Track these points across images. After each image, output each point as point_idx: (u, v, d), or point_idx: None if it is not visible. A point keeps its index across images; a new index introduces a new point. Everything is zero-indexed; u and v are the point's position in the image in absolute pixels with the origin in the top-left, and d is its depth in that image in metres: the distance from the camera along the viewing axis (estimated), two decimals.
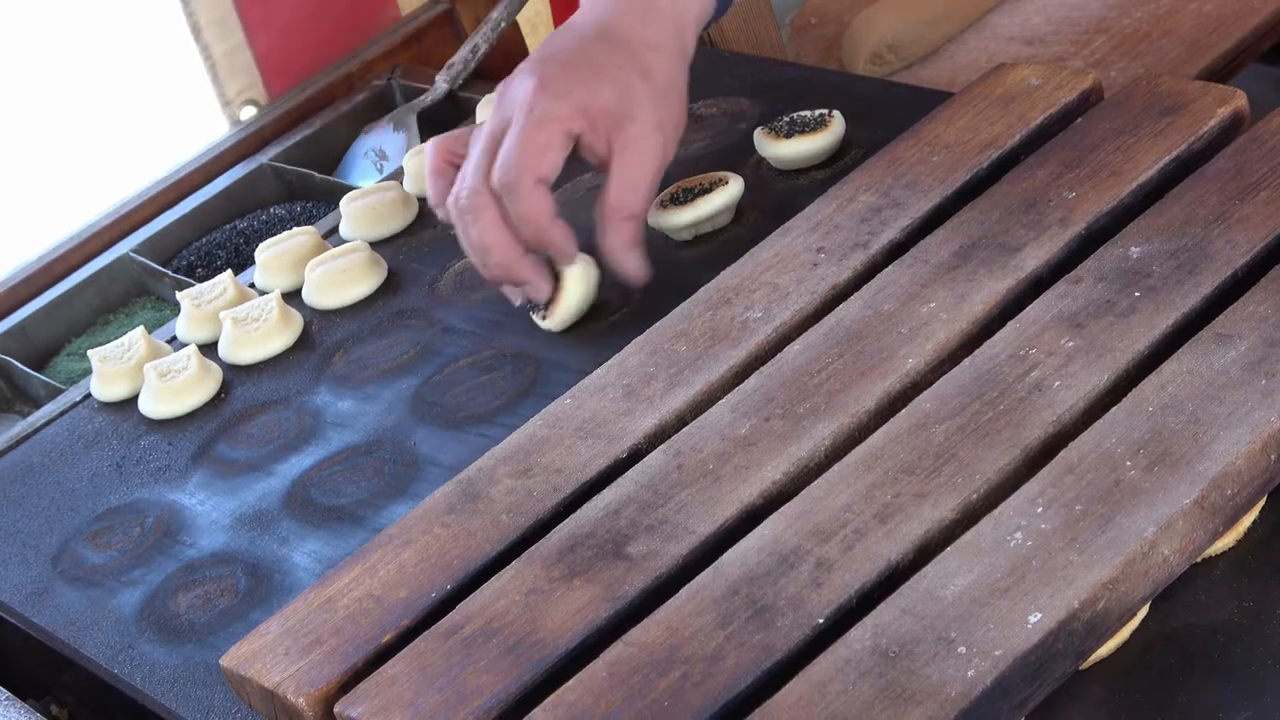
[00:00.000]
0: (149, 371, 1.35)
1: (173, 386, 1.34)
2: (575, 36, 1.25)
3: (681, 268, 1.30)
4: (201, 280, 1.55)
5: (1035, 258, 1.13)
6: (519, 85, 1.22)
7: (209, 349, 1.39)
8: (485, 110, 1.52)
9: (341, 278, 1.40)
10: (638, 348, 1.18)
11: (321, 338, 1.37)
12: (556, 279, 1.25)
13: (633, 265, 1.23)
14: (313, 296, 1.41)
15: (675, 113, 1.24)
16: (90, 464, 1.33)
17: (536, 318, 1.27)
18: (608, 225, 1.22)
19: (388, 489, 1.20)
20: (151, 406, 1.35)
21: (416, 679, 0.99)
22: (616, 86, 1.21)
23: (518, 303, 1.27)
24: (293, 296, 1.42)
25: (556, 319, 1.26)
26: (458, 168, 1.24)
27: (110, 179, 1.68)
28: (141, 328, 1.41)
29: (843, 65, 1.78)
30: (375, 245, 1.45)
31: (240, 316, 1.37)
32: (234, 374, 1.36)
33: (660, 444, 1.09)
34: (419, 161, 1.49)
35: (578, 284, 1.25)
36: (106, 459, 1.33)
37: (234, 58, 1.73)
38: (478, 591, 1.03)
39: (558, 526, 1.06)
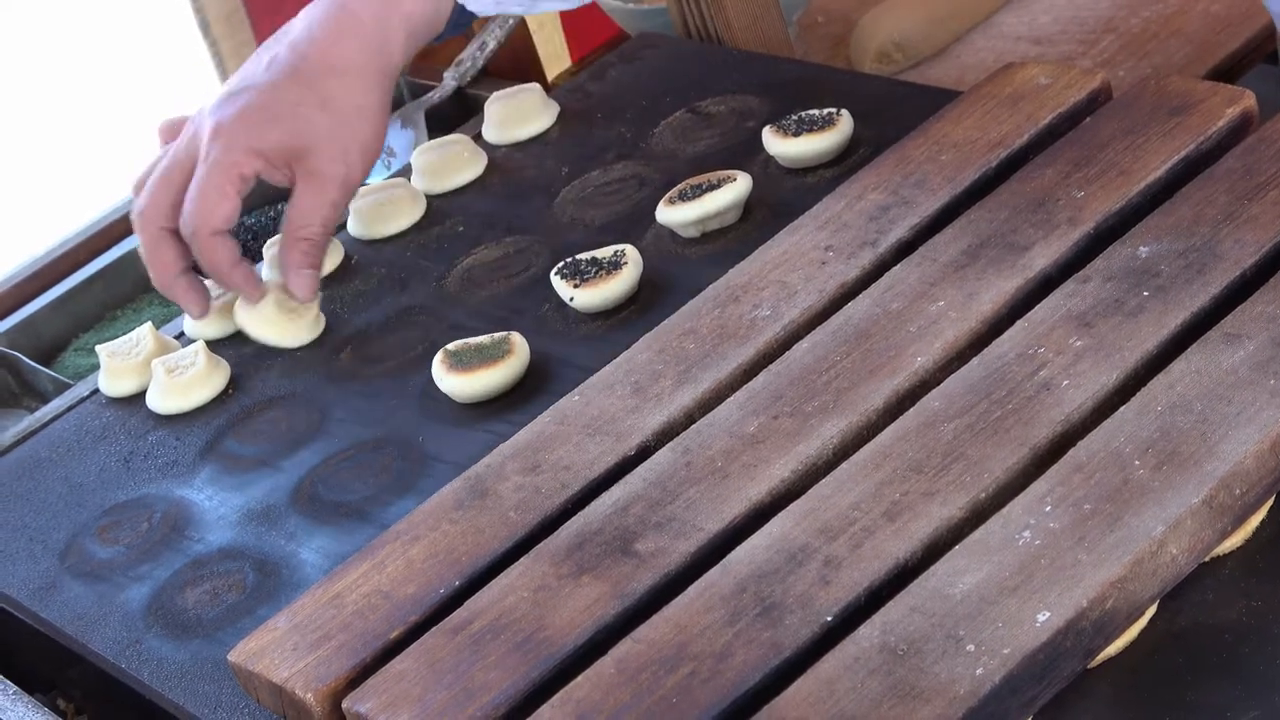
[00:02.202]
0: (157, 367, 1.35)
1: (181, 382, 1.34)
2: (262, 68, 1.30)
3: (689, 265, 1.30)
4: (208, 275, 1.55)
5: (1044, 257, 1.13)
6: (202, 126, 1.30)
7: (217, 345, 1.39)
8: (493, 109, 1.52)
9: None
10: (646, 345, 1.18)
11: (330, 334, 1.37)
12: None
13: (301, 284, 1.32)
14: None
15: (363, 136, 1.30)
16: (98, 459, 1.33)
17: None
18: (285, 245, 1.31)
19: (396, 485, 1.20)
20: (159, 402, 1.35)
21: (425, 675, 0.99)
22: (292, 123, 1.28)
23: (194, 315, 1.36)
24: None
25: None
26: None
27: (118, 174, 1.68)
28: (149, 323, 1.41)
29: (850, 64, 1.78)
30: (382, 242, 1.45)
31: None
32: (242, 370, 1.36)
33: (668, 441, 1.09)
34: (428, 158, 1.49)
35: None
36: (114, 454, 1.33)
37: (242, 53, 1.73)
38: (486, 588, 1.03)
39: (566, 523, 1.06)
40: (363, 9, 1.28)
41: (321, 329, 1.37)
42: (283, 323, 1.37)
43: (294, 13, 1.74)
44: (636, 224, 1.36)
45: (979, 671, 0.89)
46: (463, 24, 1.31)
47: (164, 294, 1.34)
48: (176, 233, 1.31)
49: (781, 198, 1.33)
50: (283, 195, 1.68)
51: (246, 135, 1.28)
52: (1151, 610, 0.95)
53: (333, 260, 1.44)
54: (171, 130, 1.35)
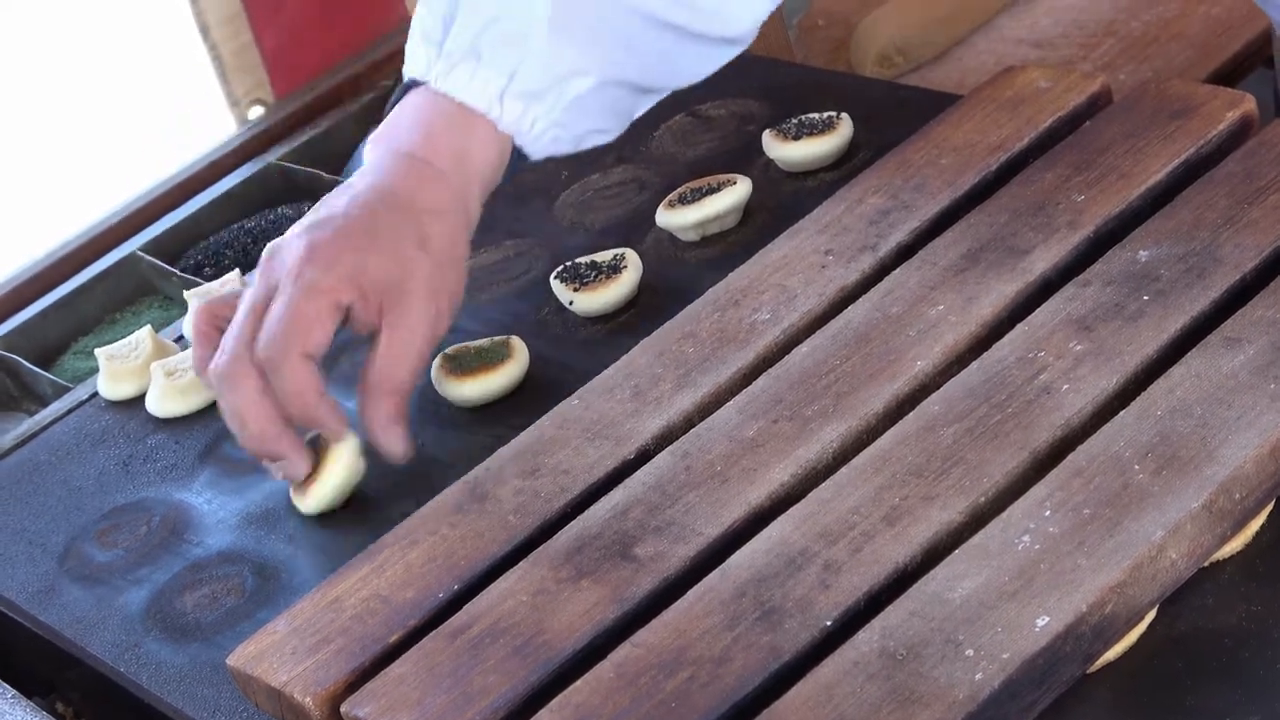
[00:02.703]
0: (156, 370, 1.35)
1: (180, 385, 1.34)
2: (351, 200, 1.17)
3: (689, 269, 1.30)
4: (209, 279, 1.55)
5: (1044, 261, 1.13)
6: (288, 251, 1.15)
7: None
8: None
9: None
10: (645, 349, 1.18)
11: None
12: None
13: (394, 443, 1.15)
14: None
15: (453, 283, 1.17)
16: (97, 462, 1.33)
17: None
18: (369, 399, 1.15)
19: (395, 489, 1.20)
20: (158, 405, 1.35)
21: (423, 679, 0.99)
22: (390, 256, 1.14)
23: (277, 477, 1.19)
24: None
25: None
26: (224, 332, 1.16)
27: (118, 177, 1.68)
28: (149, 327, 1.41)
29: (851, 67, 1.79)
30: None
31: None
32: None
33: (668, 445, 1.09)
34: None
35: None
36: (113, 457, 1.33)
37: (242, 57, 1.73)
38: (485, 592, 1.03)
39: (565, 527, 1.06)
40: (439, 160, 1.19)
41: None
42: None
43: (295, 15, 1.74)
44: (636, 228, 1.36)
45: (978, 676, 0.89)
46: (515, 169, 1.24)
47: (259, 452, 1.16)
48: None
49: (781, 201, 1.33)
50: (284, 199, 1.68)
51: (347, 259, 1.13)
52: (1151, 615, 0.95)
53: None
54: (211, 315, 1.19)
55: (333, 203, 1.17)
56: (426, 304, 1.14)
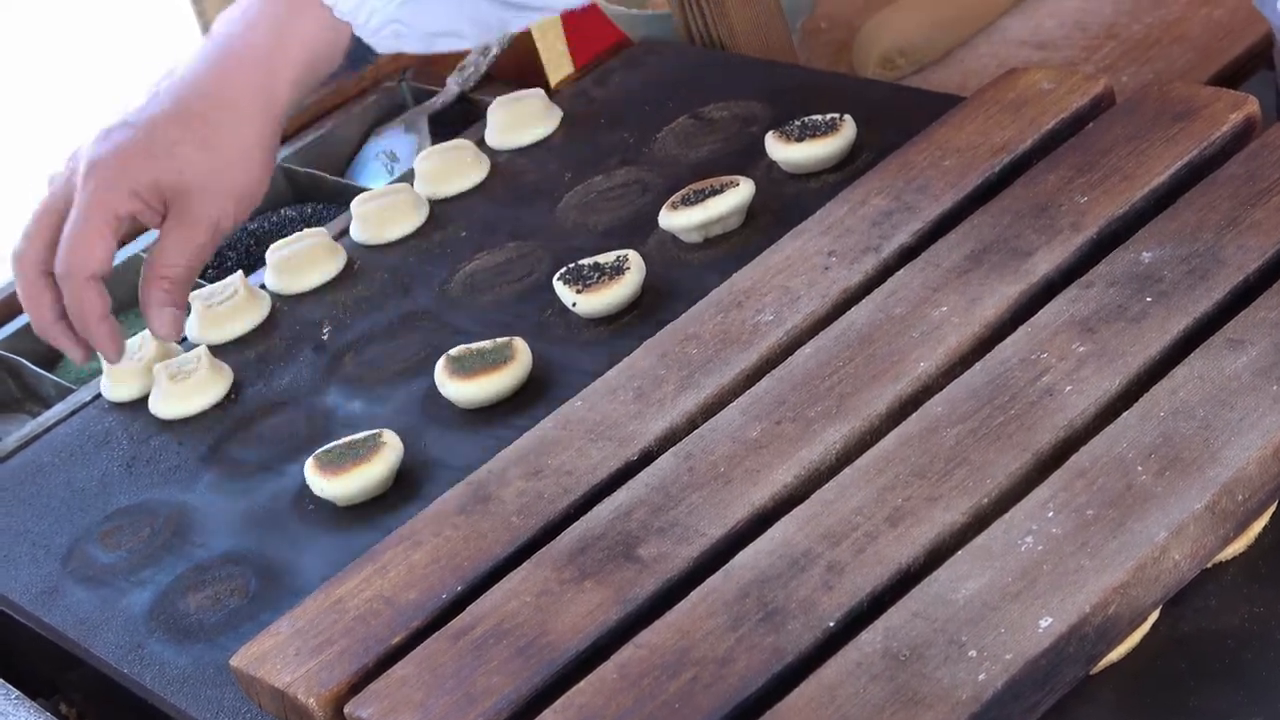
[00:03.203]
0: (159, 372, 1.35)
1: (183, 387, 1.34)
2: (143, 107, 1.25)
3: (692, 270, 1.30)
4: (212, 280, 1.55)
5: (1047, 262, 1.13)
6: (79, 160, 1.24)
7: (219, 350, 1.39)
8: (496, 114, 1.52)
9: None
10: (649, 350, 1.18)
11: (332, 339, 1.37)
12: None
13: (161, 323, 1.28)
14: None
15: (242, 180, 1.25)
16: (100, 464, 1.33)
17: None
18: (144, 282, 1.27)
19: (399, 490, 1.20)
20: (162, 407, 1.35)
21: (427, 680, 0.99)
22: (169, 162, 1.23)
23: (79, 361, 1.31)
24: (304, 297, 1.43)
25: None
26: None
27: None
28: None
29: (853, 69, 1.78)
30: (385, 247, 1.45)
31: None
32: (245, 374, 1.36)
33: (671, 446, 1.09)
34: (431, 163, 1.49)
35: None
36: (117, 459, 1.33)
37: None
38: (488, 593, 1.03)
39: (568, 528, 1.06)
40: (249, 46, 1.23)
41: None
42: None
43: None
44: (639, 229, 1.36)
45: (981, 677, 0.89)
46: (361, 62, 1.27)
47: (43, 338, 1.31)
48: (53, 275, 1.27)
49: (784, 203, 1.33)
50: (287, 200, 1.68)
51: (122, 174, 1.23)
52: (1154, 616, 0.95)
53: (335, 265, 1.44)
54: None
55: (130, 105, 1.25)
56: (207, 204, 1.23)
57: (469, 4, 1.21)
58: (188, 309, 1.36)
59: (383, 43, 1.22)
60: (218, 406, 1.35)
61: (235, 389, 1.36)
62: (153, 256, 1.26)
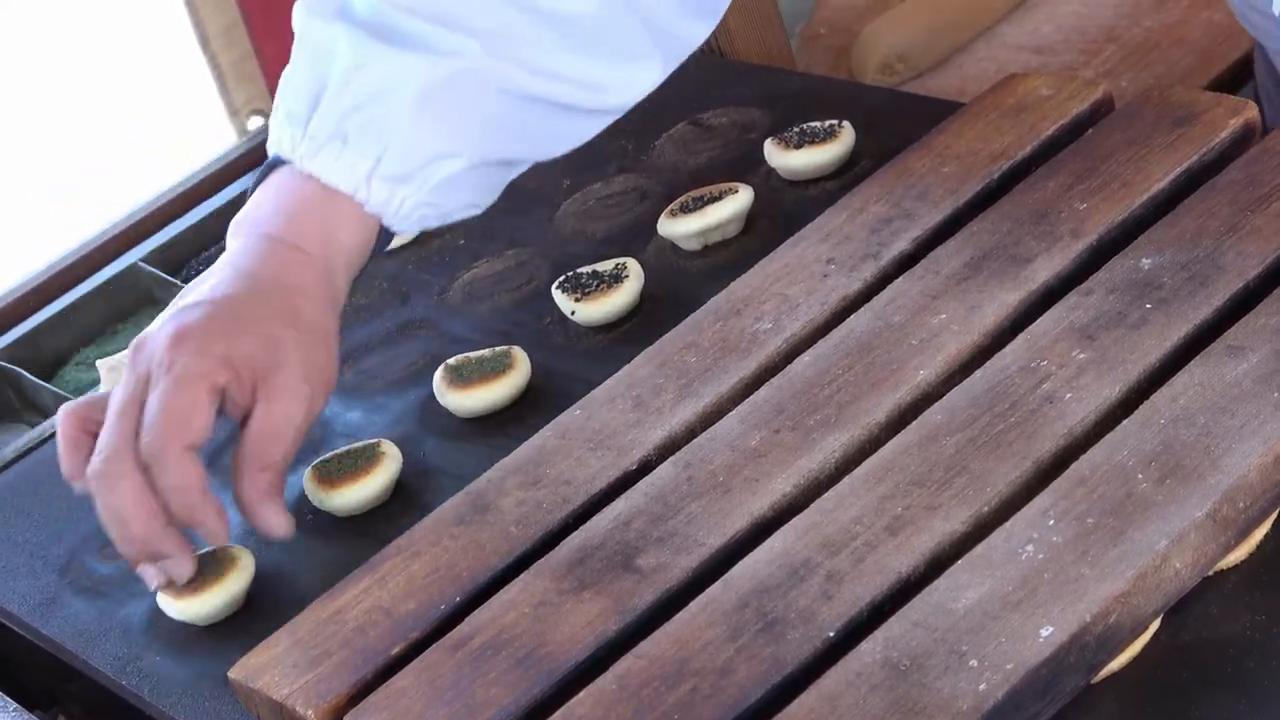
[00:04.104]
0: None
1: None
2: (215, 286, 1.15)
3: (691, 278, 1.30)
4: None
5: (1046, 269, 1.13)
6: (155, 341, 1.12)
7: None
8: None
9: None
10: (647, 359, 1.17)
11: None
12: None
13: (270, 519, 1.12)
14: None
15: (323, 361, 1.15)
16: None
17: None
18: (243, 474, 1.11)
19: (397, 500, 1.20)
20: None
21: (425, 692, 0.99)
22: (260, 335, 1.12)
23: (154, 586, 1.14)
24: None
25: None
26: (96, 435, 1.12)
27: (119, 188, 1.68)
28: None
29: (852, 75, 1.78)
30: (383, 256, 1.45)
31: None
32: None
33: (670, 456, 1.09)
34: None
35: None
36: None
37: (241, 67, 1.73)
38: (487, 604, 1.03)
39: (567, 539, 1.06)
40: (304, 242, 1.16)
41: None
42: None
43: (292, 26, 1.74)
44: (638, 237, 1.36)
45: (982, 687, 0.89)
46: (383, 248, 1.23)
47: (142, 553, 1.11)
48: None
49: (783, 210, 1.33)
50: None
51: (218, 342, 1.11)
52: (1155, 625, 0.94)
53: None
54: (78, 418, 1.14)
55: (196, 290, 1.15)
56: (300, 381, 1.12)
57: (484, 174, 1.21)
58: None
59: (410, 226, 1.20)
60: (216, 415, 1.34)
61: None
62: (251, 443, 1.11)
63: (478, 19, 1.17)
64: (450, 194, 1.19)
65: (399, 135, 1.16)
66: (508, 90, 1.18)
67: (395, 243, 1.45)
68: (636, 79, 1.23)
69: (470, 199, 1.22)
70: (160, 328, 1.12)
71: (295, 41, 1.20)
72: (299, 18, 1.20)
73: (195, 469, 1.09)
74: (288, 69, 1.20)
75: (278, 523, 1.11)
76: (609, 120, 1.26)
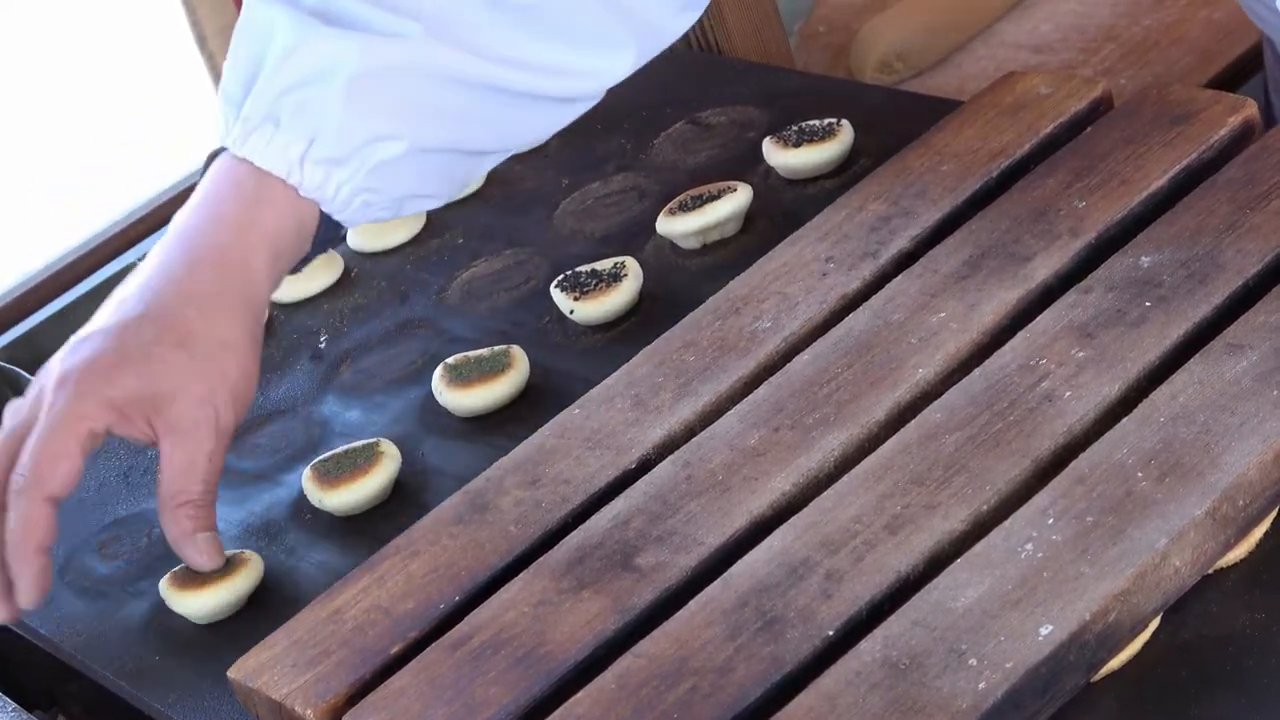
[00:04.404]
0: None
1: None
2: (117, 303, 1.14)
3: (689, 276, 1.30)
4: None
5: (1045, 267, 1.13)
6: (48, 374, 1.13)
7: None
8: None
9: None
10: (646, 358, 1.17)
11: (329, 347, 1.37)
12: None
13: (198, 555, 1.13)
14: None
15: (231, 375, 1.12)
16: (97, 474, 1.32)
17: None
18: (164, 514, 1.12)
19: (396, 499, 1.20)
20: None
21: (424, 691, 0.99)
22: (145, 365, 1.10)
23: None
24: (301, 305, 1.42)
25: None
26: None
27: (116, 188, 1.68)
28: None
29: (851, 74, 1.78)
30: (382, 255, 1.45)
31: None
32: None
33: (669, 455, 1.09)
34: None
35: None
36: (114, 469, 1.32)
37: None
38: (486, 603, 1.03)
39: (566, 538, 1.06)
40: (217, 233, 1.14)
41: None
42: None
43: None
44: (637, 235, 1.36)
45: (981, 686, 0.88)
46: (327, 243, 1.20)
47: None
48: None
49: (782, 209, 1.33)
50: None
51: (95, 384, 1.10)
52: (1155, 623, 0.94)
53: (331, 273, 1.44)
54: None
55: (103, 310, 1.15)
56: (196, 407, 1.11)
57: (433, 161, 1.18)
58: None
59: (353, 216, 1.17)
60: None
61: None
62: (164, 484, 1.12)
63: (427, 2, 1.15)
64: (393, 180, 1.17)
65: (332, 116, 1.14)
66: (455, 76, 1.16)
67: (393, 241, 1.45)
68: (606, 66, 1.22)
69: (420, 187, 1.19)
70: (55, 360, 1.13)
71: (238, 23, 1.18)
72: None
73: (40, 523, 1.09)
74: (229, 51, 1.18)
75: (204, 559, 1.13)
76: (581, 108, 1.24)
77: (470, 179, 1.22)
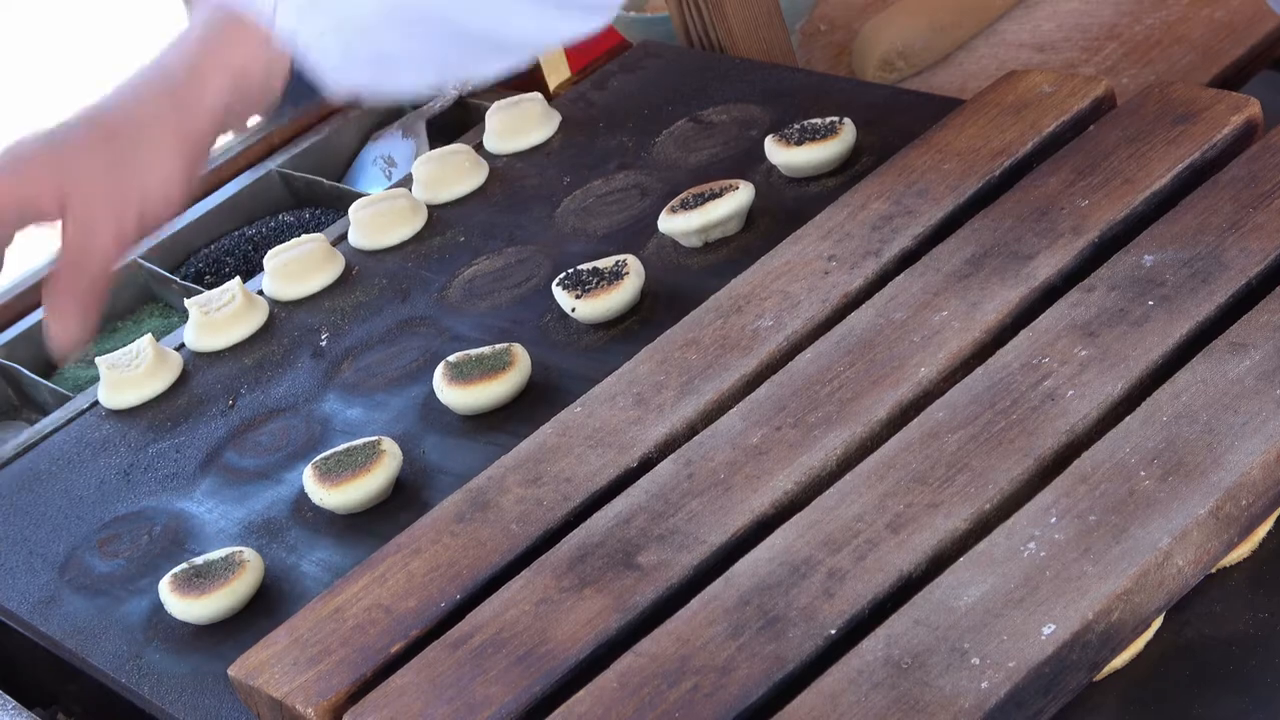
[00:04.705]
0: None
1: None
2: (62, 123, 1.16)
3: (691, 275, 1.30)
4: (210, 287, 1.55)
5: (1048, 266, 1.12)
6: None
7: (217, 356, 1.39)
8: (494, 118, 1.52)
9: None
10: (648, 356, 1.17)
11: (330, 345, 1.36)
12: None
13: (59, 329, 1.14)
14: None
15: (149, 189, 1.14)
16: (98, 471, 1.32)
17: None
18: (47, 292, 1.15)
19: (397, 497, 1.19)
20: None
21: (425, 689, 0.99)
22: (72, 164, 1.13)
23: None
24: (302, 303, 1.42)
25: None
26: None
27: None
28: (149, 335, 1.41)
29: (853, 72, 1.78)
30: (383, 253, 1.45)
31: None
32: (243, 381, 1.36)
33: (671, 453, 1.09)
34: (429, 168, 1.49)
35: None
36: (114, 466, 1.32)
37: None
38: (487, 601, 1.03)
39: (568, 536, 1.05)
40: (166, 70, 1.15)
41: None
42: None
43: None
44: (638, 234, 1.36)
45: (984, 685, 0.88)
46: (302, 99, 1.18)
47: None
48: None
49: (784, 207, 1.33)
50: (285, 206, 1.68)
51: (18, 165, 1.13)
52: (1158, 622, 0.94)
53: (333, 271, 1.43)
54: None
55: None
56: (100, 205, 1.13)
57: (419, 28, 1.16)
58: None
59: (327, 72, 1.15)
60: (216, 413, 1.34)
61: (233, 396, 1.35)
62: (55, 269, 1.14)
63: None
64: (370, 37, 1.15)
65: None
66: None
67: (394, 239, 1.45)
68: None
69: (401, 51, 1.18)
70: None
71: None
72: None
73: None
74: None
75: (63, 335, 1.13)
76: (582, 24, 1.24)
77: (463, 73, 1.20)
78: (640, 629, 0.98)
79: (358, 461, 1.19)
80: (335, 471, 1.19)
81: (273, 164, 1.70)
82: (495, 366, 1.23)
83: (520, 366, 1.24)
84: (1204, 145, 1.17)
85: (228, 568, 1.15)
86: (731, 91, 1.48)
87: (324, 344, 1.37)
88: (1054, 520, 0.95)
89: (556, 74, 1.76)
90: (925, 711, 0.88)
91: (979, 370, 1.07)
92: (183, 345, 1.43)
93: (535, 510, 1.08)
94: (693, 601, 0.98)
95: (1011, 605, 0.92)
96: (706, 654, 0.95)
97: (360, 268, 1.44)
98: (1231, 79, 1.63)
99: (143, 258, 1.62)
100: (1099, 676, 0.92)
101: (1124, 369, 1.03)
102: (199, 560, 1.17)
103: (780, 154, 1.35)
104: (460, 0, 1.18)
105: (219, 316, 1.40)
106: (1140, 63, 1.67)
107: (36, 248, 1.63)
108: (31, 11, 1.60)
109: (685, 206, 1.31)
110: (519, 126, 1.51)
